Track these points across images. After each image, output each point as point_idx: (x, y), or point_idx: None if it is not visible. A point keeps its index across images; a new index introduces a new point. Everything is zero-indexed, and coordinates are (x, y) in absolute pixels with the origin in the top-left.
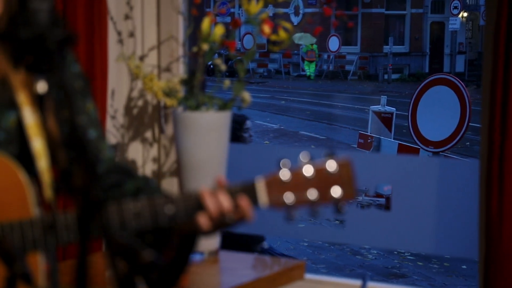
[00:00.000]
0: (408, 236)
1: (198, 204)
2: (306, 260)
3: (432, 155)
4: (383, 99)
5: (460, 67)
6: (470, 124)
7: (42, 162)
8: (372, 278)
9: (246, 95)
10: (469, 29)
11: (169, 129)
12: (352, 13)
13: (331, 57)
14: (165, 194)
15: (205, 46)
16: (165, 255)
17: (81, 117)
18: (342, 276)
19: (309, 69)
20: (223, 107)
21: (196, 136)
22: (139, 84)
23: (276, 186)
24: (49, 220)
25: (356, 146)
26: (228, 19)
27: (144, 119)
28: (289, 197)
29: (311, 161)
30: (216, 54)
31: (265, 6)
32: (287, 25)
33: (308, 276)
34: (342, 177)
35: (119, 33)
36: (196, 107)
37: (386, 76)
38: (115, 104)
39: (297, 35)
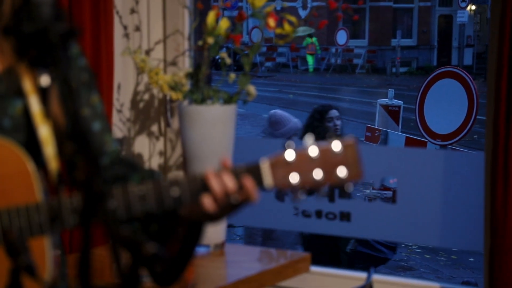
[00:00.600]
0: (414, 228)
1: (203, 186)
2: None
3: (439, 148)
4: (391, 92)
5: (468, 60)
6: (477, 117)
7: (49, 149)
8: (379, 271)
9: (252, 89)
10: (477, 22)
11: (175, 122)
12: (358, 7)
13: (339, 50)
14: (170, 178)
15: (210, 40)
16: (170, 247)
17: (86, 110)
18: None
19: (309, 62)
20: (228, 100)
21: (202, 130)
22: (145, 78)
23: (281, 167)
24: (55, 204)
25: (363, 139)
26: (235, 13)
27: (150, 113)
28: (294, 178)
29: (316, 142)
30: (224, 48)
31: None
32: (292, 18)
33: (314, 268)
34: (348, 157)
35: (125, 27)
36: (202, 101)
37: (394, 70)
38: (121, 98)
39: (300, 28)
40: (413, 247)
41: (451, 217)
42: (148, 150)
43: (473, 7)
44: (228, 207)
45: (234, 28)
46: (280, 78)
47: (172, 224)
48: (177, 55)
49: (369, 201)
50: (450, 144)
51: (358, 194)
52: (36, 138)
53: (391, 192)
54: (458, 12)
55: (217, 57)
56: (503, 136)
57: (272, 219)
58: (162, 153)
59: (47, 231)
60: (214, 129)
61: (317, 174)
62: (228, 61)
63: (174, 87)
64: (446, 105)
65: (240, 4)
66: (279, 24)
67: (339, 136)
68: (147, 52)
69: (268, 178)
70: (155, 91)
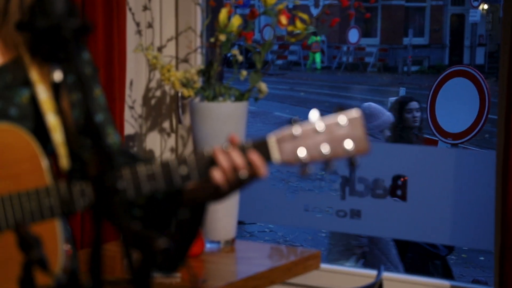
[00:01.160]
0: (425, 227)
1: (211, 162)
2: (324, 251)
3: (450, 147)
4: (402, 90)
5: (480, 59)
6: (489, 116)
7: (57, 135)
8: (389, 268)
9: (263, 86)
10: (490, 21)
11: (186, 119)
12: (370, 5)
13: (350, 49)
14: (178, 157)
15: (222, 37)
16: (172, 231)
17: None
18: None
19: (315, 60)
20: (240, 97)
21: (213, 126)
22: (157, 75)
23: (288, 142)
24: (64, 187)
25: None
26: (248, 11)
27: (162, 109)
28: (301, 152)
29: (322, 117)
30: (236, 46)
31: None
32: (304, 16)
33: (324, 265)
34: (354, 131)
35: (137, 24)
36: (213, 98)
37: (405, 68)
38: (133, 94)
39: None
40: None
41: (462, 216)
42: (159, 146)
43: (486, 6)
44: (236, 182)
45: (246, 25)
46: (291, 76)
47: (174, 208)
48: (189, 52)
49: (379, 199)
50: (461, 143)
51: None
52: (43, 126)
53: (400, 190)
54: (470, 11)
55: (229, 54)
56: None
57: (282, 216)
58: (174, 150)
59: (58, 214)
60: (225, 126)
61: (324, 148)
62: (240, 58)
63: (186, 84)
64: (458, 104)
65: (252, 1)
66: (291, 21)
67: (344, 110)
68: (159, 49)
69: (275, 153)
70: (167, 87)
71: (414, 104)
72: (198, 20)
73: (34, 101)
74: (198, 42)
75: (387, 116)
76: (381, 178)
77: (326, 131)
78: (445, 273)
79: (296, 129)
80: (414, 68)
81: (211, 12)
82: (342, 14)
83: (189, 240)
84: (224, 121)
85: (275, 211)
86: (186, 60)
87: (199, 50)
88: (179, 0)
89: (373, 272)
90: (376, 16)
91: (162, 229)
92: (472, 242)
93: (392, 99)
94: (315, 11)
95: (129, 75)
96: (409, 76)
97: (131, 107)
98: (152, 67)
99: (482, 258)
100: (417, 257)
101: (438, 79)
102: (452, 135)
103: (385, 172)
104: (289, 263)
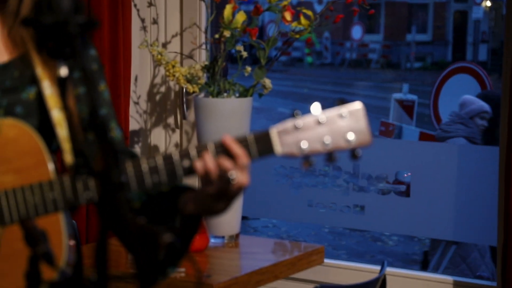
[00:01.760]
0: (428, 222)
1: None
2: (327, 246)
3: None
4: (405, 87)
5: (483, 56)
6: None
7: (62, 130)
8: (392, 264)
9: (267, 82)
10: (492, 18)
11: (191, 115)
12: (374, 2)
13: (353, 45)
14: (180, 152)
15: (227, 33)
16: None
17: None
18: (362, 262)
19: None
20: (244, 93)
21: (218, 122)
22: (161, 71)
23: (289, 134)
24: (68, 181)
25: (377, 133)
26: (252, 7)
27: (166, 105)
28: (303, 145)
29: (323, 110)
30: (241, 42)
31: None
32: (308, 12)
33: (328, 261)
34: (356, 123)
35: (142, 20)
36: (218, 94)
37: (408, 65)
38: (138, 90)
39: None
40: (426, 241)
41: (465, 211)
42: (164, 142)
43: (488, 3)
44: (225, 184)
45: (251, 21)
46: (294, 72)
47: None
48: (194, 48)
49: (382, 194)
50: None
51: (371, 187)
52: (49, 122)
53: (404, 186)
54: (473, 8)
55: (233, 50)
56: None
57: (286, 211)
58: (178, 145)
59: (61, 208)
60: (230, 121)
61: (326, 140)
62: (244, 54)
63: (191, 79)
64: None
65: None
66: (295, 18)
67: (345, 102)
68: (164, 45)
69: (277, 146)
70: (171, 83)
71: (483, 107)
72: (202, 16)
73: (40, 97)
74: (202, 38)
75: (480, 105)
76: (385, 173)
77: (328, 123)
78: None
79: (298, 122)
80: (417, 65)
81: (216, 8)
82: (345, 11)
83: (192, 234)
84: (229, 117)
85: (279, 206)
86: (190, 56)
87: (203, 46)
88: None
89: (376, 267)
90: (379, 13)
91: (165, 224)
92: (475, 238)
93: (396, 95)
94: (319, 8)
95: (134, 71)
96: (412, 72)
97: (136, 103)
98: (157, 63)
99: None
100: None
101: (441, 76)
102: None
103: (388, 167)
104: (293, 258)
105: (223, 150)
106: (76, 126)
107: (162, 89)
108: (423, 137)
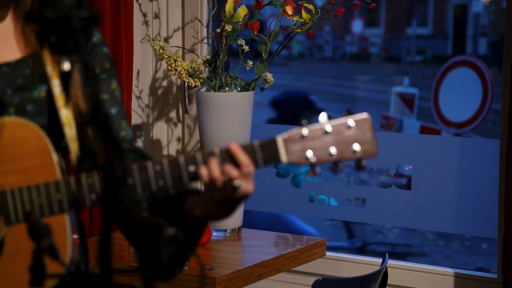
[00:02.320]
0: (429, 215)
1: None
2: (329, 239)
3: (453, 136)
4: (406, 80)
5: (483, 49)
6: (492, 106)
7: (71, 130)
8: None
9: (269, 76)
10: (493, 11)
11: (193, 109)
12: None
13: (354, 39)
14: (186, 156)
15: (228, 27)
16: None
17: (105, 95)
18: (364, 254)
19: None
20: (246, 87)
21: (219, 116)
22: (163, 65)
23: (295, 143)
24: (74, 182)
25: (378, 127)
26: (253, 1)
27: (168, 99)
28: (309, 154)
29: (330, 119)
30: (242, 36)
31: None
32: (310, 6)
33: (329, 253)
34: (362, 133)
35: (144, 15)
36: (219, 88)
37: (409, 58)
38: (140, 84)
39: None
40: (427, 233)
41: (466, 204)
42: (166, 136)
43: None
44: (229, 192)
45: (252, 15)
46: (296, 66)
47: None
48: (196, 42)
49: (384, 187)
50: (464, 133)
51: (373, 180)
52: (58, 121)
53: (405, 179)
54: (473, 1)
55: (234, 44)
56: None
57: (288, 205)
58: (180, 139)
59: (67, 209)
60: (232, 115)
61: (331, 150)
62: (246, 48)
63: (192, 74)
64: (461, 93)
65: None
66: (297, 12)
67: (352, 113)
68: (166, 39)
69: (283, 154)
70: (173, 78)
71: None
72: (204, 10)
73: (50, 96)
74: (204, 32)
75: None
76: (386, 166)
77: (334, 133)
78: None
79: (304, 131)
80: (417, 58)
81: (217, 2)
82: (346, 4)
83: (198, 237)
84: (230, 111)
85: (280, 199)
86: (192, 50)
87: (205, 41)
88: None
89: (377, 260)
90: (380, 7)
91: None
92: (475, 230)
93: (396, 88)
94: (320, 2)
95: (136, 65)
96: (412, 66)
97: (138, 97)
98: (158, 57)
99: (485, 246)
100: None
101: (442, 69)
102: (455, 124)
103: (389, 160)
104: (295, 251)
105: (229, 157)
106: (82, 123)
107: (164, 83)
108: (423, 130)
